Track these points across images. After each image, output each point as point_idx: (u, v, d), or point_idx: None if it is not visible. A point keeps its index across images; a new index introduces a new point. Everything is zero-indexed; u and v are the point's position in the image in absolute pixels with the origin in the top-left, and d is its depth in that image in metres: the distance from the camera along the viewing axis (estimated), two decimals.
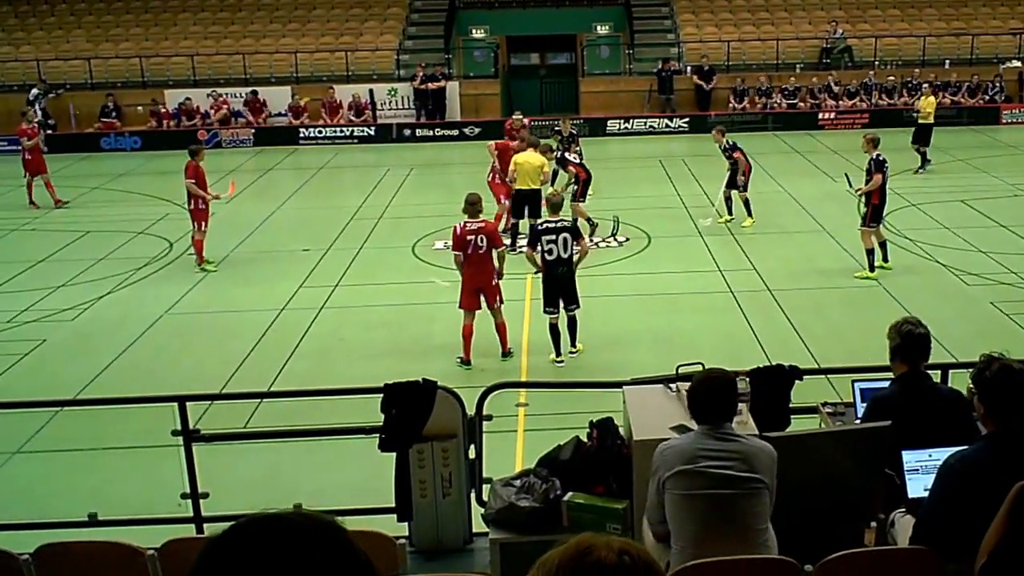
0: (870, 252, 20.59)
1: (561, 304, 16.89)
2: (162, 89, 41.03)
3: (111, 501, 11.36)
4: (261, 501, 9.13)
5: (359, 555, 2.50)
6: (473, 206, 16.79)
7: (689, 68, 42.13)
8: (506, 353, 17.22)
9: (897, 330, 8.17)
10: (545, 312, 17.00)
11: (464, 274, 16.68)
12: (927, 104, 31.71)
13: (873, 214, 20.49)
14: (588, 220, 23.38)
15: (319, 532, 2.47)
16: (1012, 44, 43.05)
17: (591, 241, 21.76)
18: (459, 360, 16.82)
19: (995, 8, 45.46)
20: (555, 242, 16.50)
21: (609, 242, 23.90)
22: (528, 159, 22.71)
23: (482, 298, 16.79)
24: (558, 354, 17.00)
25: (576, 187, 24.29)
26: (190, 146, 23.94)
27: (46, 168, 29.56)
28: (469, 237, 16.44)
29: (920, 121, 31.76)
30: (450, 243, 17.17)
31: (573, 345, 17.20)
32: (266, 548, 2.41)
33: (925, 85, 35.48)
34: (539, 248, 16.62)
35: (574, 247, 16.69)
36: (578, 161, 25.01)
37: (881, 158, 20.56)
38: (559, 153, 25.37)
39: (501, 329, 17.09)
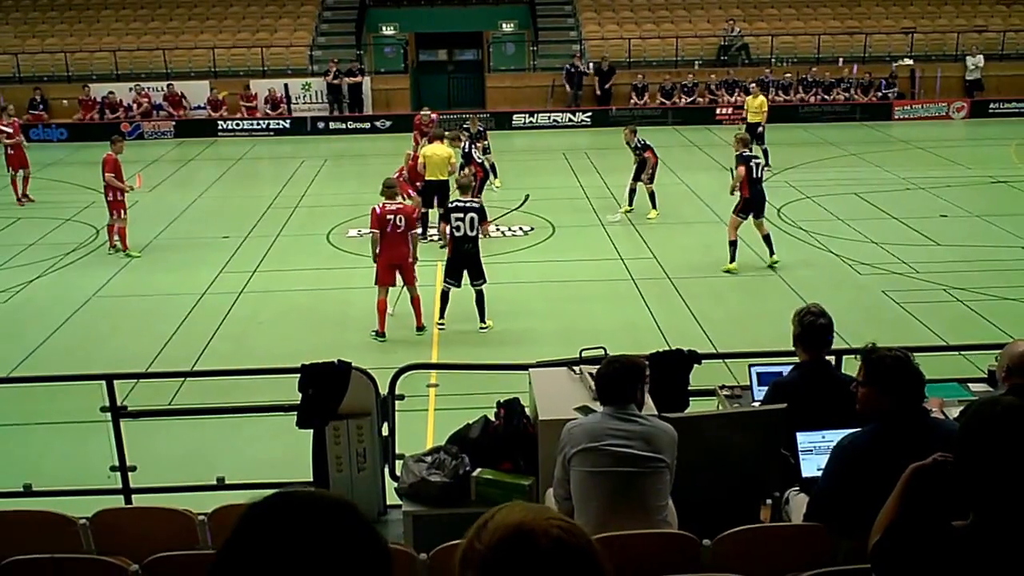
0: (732, 244, 20.58)
1: (467, 278, 17.51)
2: (86, 83, 40.47)
3: (45, 474, 11.28)
4: (185, 474, 9.26)
5: (376, 538, 2.53)
6: (390, 188, 17.45)
7: (592, 65, 42.12)
8: (420, 327, 17.51)
9: (799, 319, 8.13)
10: (446, 282, 17.64)
11: (382, 252, 16.98)
12: (755, 104, 31.72)
13: (743, 206, 20.54)
14: None
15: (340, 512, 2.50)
16: (904, 42, 43.56)
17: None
18: (374, 333, 17.19)
19: (888, 8, 45.95)
20: (463, 220, 17.26)
21: (516, 232, 24.02)
22: (436, 151, 22.71)
23: (398, 275, 17.16)
24: (441, 316, 17.77)
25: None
26: (112, 136, 23.72)
27: (28, 163, 28.68)
28: (388, 216, 16.87)
29: (749, 120, 31.63)
30: (368, 223, 17.52)
31: (483, 321, 17.62)
32: (294, 523, 2.44)
33: (752, 85, 35.44)
34: (449, 225, 17.36)
35: (479, 227, 17.41)
36: (479, 160, 25.07)
37: (746, 154, 20.62)
38: (466, 144, 25.19)
39: (416, 303, 17.46)
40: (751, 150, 21.05)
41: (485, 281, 17.61)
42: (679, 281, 20.10)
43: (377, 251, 17.06)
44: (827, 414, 7.55)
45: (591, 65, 42.13)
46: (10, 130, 28.44)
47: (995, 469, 4.15)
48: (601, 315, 18.32)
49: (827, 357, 8.41)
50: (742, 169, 20.46)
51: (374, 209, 17.10)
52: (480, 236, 17.59)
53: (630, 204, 25.55)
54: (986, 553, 4.14)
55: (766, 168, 28.85)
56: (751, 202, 20.53)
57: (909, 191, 27.69)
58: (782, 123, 38.22)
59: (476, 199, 18.87)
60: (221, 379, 13.43)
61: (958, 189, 27.61)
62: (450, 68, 47.12)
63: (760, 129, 31.18)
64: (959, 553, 4.19)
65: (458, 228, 17.29)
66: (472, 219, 17.29)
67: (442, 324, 17.75)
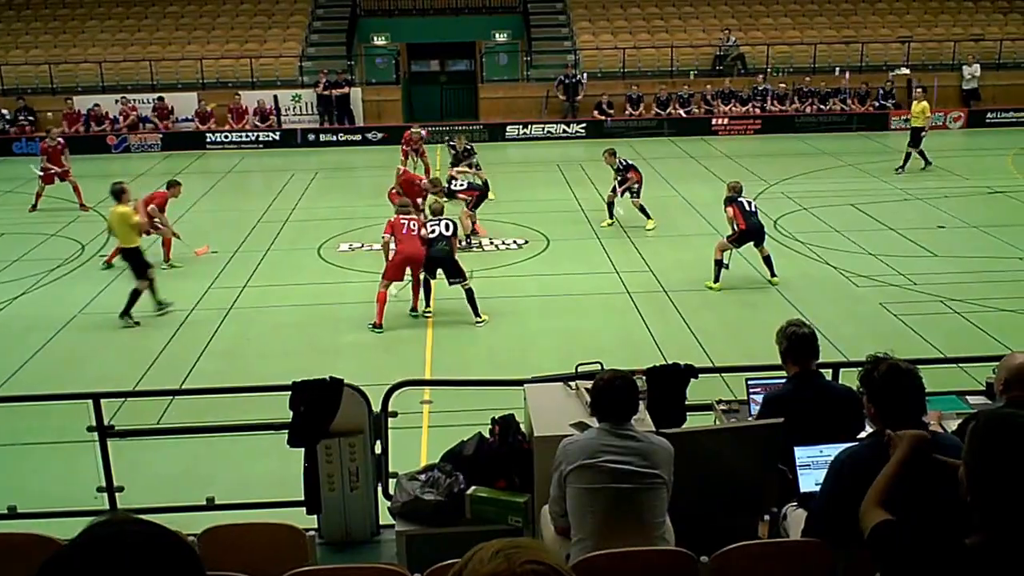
0: (717, 263, 20.58)
1: (444, 278, 19.02)
2: (70, 95, 40.40)
3: (30, 494, 11.18)
4: (173, 494, 9.20)
5: (185, 550, 2.54)
6: (404, 208, 19.96)
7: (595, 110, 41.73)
8: (414, 309, 19.29)
9: (783, 334, 8.24)
10: (425, 274, 19.18)
11: (400, 249, 18.64)
12: (917, 109, 32.12)
13: (738, 236, 20.56)
14: (467, 236, 23.70)
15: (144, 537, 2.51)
16: (901, 52, 43.67)
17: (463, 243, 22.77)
18: (371, 326, 18.36)
19: (884, 17, 46.07)
20: (438, 224, 19.17)
21: (510, 245, 24.09)
22: (116, 212, 19.42)
23: (407, 272, 18.97)
24: (428, 305, 19.40)
25: (470, 200, 24.39)
26: (171, 180, 24.66)
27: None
28: (403, 220, 19.01)
29: (913, 125, 32.26)
30: (383, 230, 19.28)
31: (477, 316, 18.71)
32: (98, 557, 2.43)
33: (918, 90, 35.93)
34: (426, 228, 19.19)
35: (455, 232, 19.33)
36: (465, 186, 24.95)
37: (730, 196, 20.79)
38: (445, 188, 24.44)
39: (415, 288, 19.05)
40: (740, 193, 20.99)
41: (464, 279, 18.85)
42: (675, 294, 20.13)
43: (390, 256, 18.78)
44: (821, 423, 7.65)
45: (585, 75, 42.07)
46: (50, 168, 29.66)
47: (1010, 486, 4.14)
48: (597, 329, 18.37)
49: (820, 370, 8.44)
50: (730, 209, 20.66)
51: (389, 220, 19.27)
52: (454, 239, 19.28)
53: (611, 217, 25.67)
54: (997, 570, 4.13)
55: (927, 168, 31.19)
56: (747, 234, 20.59)
57: (907, 202, 27.74)
58: (777, 133, 38.41)
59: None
60: (210, 397, 13.40)
61: (955, 200, 27.68)
62: (442, 79, 47.23)
63: (923, 134, 31.91)
64: (970, 569, 4.18)
65: (433, 231, 19.02)
66: (447, 224, 19.20)
67: (428, 312, 19.27)
